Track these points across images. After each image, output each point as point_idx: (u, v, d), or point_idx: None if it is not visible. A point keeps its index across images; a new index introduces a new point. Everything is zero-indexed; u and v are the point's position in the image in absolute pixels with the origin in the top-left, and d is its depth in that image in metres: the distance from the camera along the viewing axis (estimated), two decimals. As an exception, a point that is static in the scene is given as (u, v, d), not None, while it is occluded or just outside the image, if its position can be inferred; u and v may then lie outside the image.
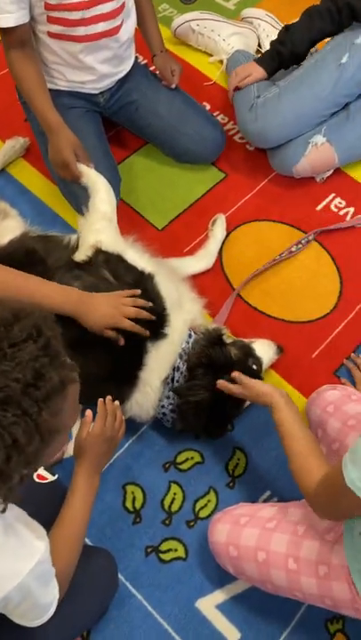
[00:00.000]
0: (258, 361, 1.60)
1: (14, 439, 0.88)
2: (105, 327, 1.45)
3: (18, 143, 2.09)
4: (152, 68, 2.08)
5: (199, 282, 1.85)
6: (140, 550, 1.50)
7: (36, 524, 1.06)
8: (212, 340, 1.56)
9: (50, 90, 1.81)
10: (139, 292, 1.51)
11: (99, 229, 1.64)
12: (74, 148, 1.73)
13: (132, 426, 1.63)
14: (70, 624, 1.30)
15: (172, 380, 1.53)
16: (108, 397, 1.37)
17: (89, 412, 1.34)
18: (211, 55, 2.36)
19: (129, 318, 1.47)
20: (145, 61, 2.25)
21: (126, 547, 1.50)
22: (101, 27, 1.75)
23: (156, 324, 1.54)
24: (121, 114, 2.02)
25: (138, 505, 1.56)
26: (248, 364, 1.57)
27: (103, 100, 1.96)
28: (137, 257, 1.62)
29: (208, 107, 2.24)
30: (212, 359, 1.52)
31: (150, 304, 1.51)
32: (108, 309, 1.45)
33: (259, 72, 2.03)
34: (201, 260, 1.90)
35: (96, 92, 1.92)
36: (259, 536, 1.33)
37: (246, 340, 1.65)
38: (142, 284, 1.56)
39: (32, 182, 2.07)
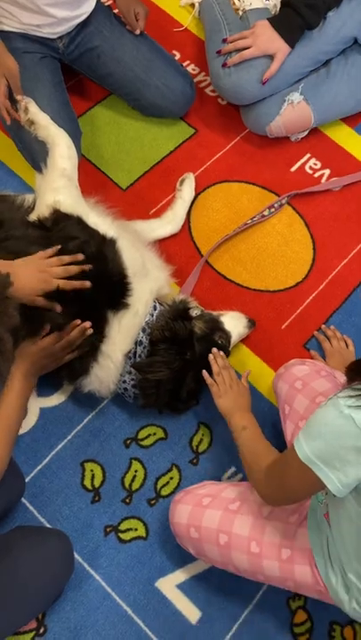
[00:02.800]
0: (226, 335, 1.52)
1: None
2: (35, 295, 1.32)
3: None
4: (116, 11, 1.90)
5: (165, 247, 1.75)
6: (98, 530, 1.44)
7: None
8: (177, 312, 1.47)
9: (0, 32, 1.63)
10: (59, 247, 1.38)
11: (57, 188, 1.50)
12: (5, 76, 1.56)
13: (91, 401, 1.55)
14: (23, 607, 1.27)
15: (135, 354, 1.44)
16: (81, 324, 1.37)
17: (47, 327, 1.36)
18: (182, -2, 2.18)
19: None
20: (109, 2, 2.06)
21: (84, 527, 1.44)
22: None
23: (117, 293, 1.44)
24: (82, 61, 1.85)
25: (97, 483, 1.49)
26: (214, 338, 1.49)
27: (62, 46, 1.79)
28: (99, 220, 1.50)
29: (178, 56, 2.08)
30: (176, 334, 1.43)
31: (81, 256, 1.38)
32: (33, 274, 1.32)
33: (284, 49, 1.76)
34: (167, 224, 1.79)
35: (54, 36, 1.75)
36: (221, 518, 1.28)
37: (215, 313, 1.57)
38: (104, 249, 1.45)
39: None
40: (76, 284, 1.36)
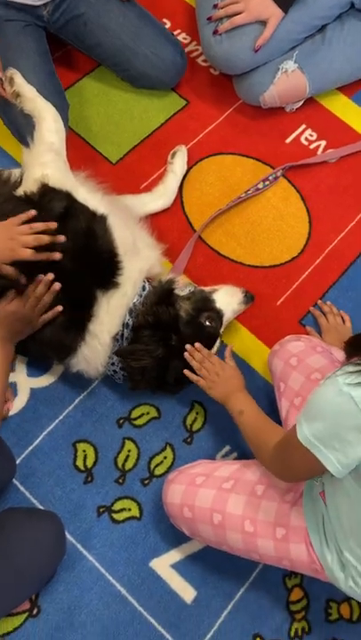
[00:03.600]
0: (215, 315, 1.46)
1: None
2: (1, 262, 1.29)
3: None
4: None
5: (157, 222, 1.70)
6: (91, 511, 1.42)
7: None
8: (162, 295, 1.43)
9: (-19, -2, 1.57)
10: (33, 213, 1.34)
11: (45, 162, 1.45)
12: None
13: (82, 381, 1.52)
14: (14, 590, 1.25)
15: (122, 336, 1.41)
16: (44, 278, 1.33)
17: (12, 291, 1.33)
18: None
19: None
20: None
21: (77, 508, 1.42)
22: None
23: (107, 271, 1.40)
24: (68, 29, 1.78)
25: (89, 463, 1.47)
26: (200, 320, 1.44)
27: (46, 13, 1.72)
28: (88, 196, 1.45)
29: (168, 24, 2.01)
30: (159, 319, 1.39)
31: (54, 225, 1.33)
32: (1, 241, 1.28)
33: (278, 14, 1.70)
34: (159, 198, 1.74)
35: (37, 3, 1.68)
36: (214, 497, 1.26)
37: (208, 289, 1.51)
38: (93, 226, 1.40)
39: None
40: (44, 255, 1.31)
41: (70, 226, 1.39)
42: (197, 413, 1.54)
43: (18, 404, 1.50)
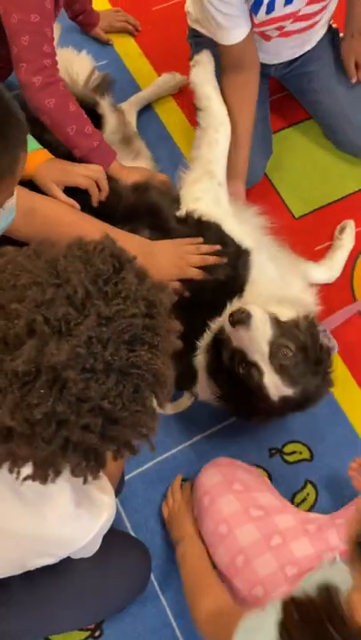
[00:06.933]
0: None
1: (155, 374, 0.79)
2: (169, 278, 1.32)
3: (174, 80, 1.90)
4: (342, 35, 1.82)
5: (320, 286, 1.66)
6: (177, 554, 1.40)
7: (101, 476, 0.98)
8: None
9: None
10: (201, 240, 1.39)
11: (197, 196, 1.45)
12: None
13: (204, 421, 1.51)
14: (90, 611, 1.26)
15: None
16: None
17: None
18: None
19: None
20: (336, 26, 1.98)
21: (165, 544, 1.40)
22: (298, 25, 1.52)
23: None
24: (292, 81, 1.80)
25: (188, 505, 1.45)
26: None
27: (274, 69, 1.74)
28: (238, 227, 1.44)
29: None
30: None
31: (218, 247, 1.38)
32: (172, 259, 1.34)
33: None
34: (324, 272, 1.68)
35: (270, 62, 1.69)
36: (235, 512, 1.25)
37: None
38: (236, 262, 1.40)
39: (175, 127, 1.90)
40: (207, 275, 1.36)
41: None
42: (308, 494, 1.47)
43: (139, 424, 1.51)
